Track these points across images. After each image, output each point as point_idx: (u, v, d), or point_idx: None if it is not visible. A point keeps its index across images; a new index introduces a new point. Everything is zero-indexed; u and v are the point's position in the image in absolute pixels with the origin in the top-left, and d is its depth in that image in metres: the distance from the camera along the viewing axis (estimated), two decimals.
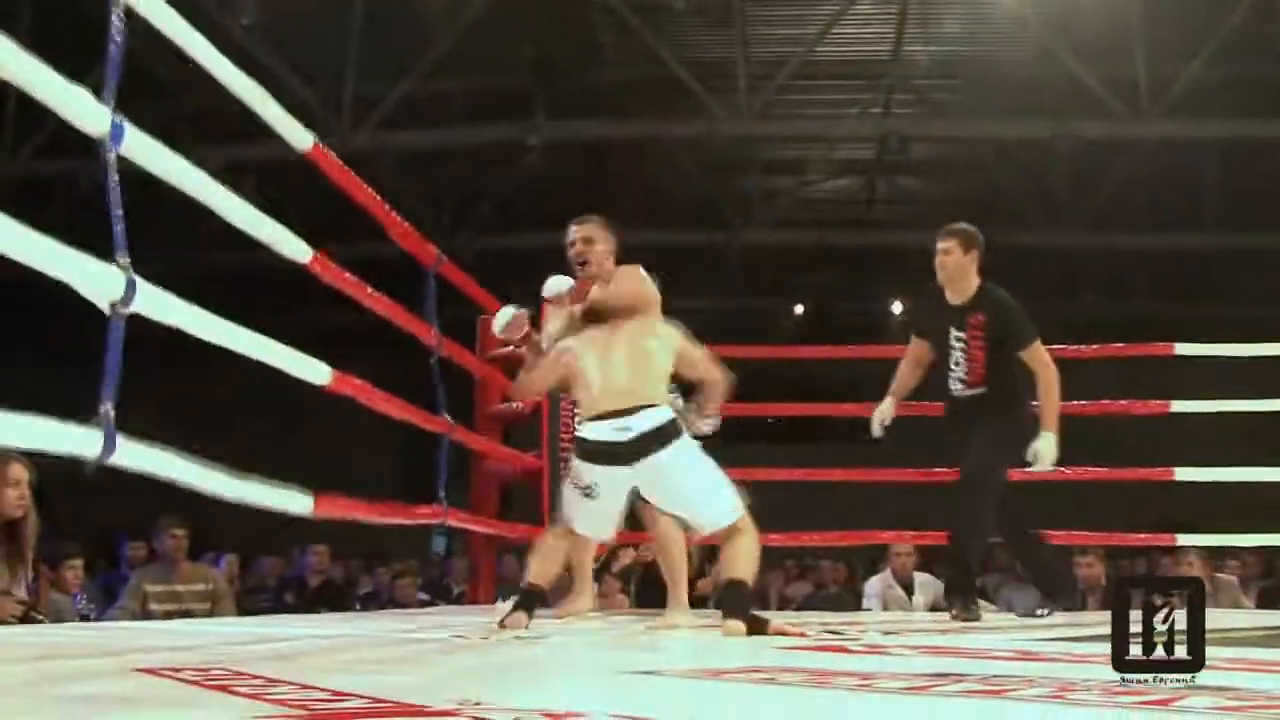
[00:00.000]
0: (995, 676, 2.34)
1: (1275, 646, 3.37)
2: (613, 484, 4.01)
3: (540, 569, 4.13)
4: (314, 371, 3.42)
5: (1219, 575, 7.44)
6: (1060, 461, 5.13)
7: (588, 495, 4.02)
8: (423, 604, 8.86)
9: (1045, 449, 5.01)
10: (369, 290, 4.04)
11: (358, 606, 9.30)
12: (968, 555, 5.02)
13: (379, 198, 4.43)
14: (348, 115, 11.22)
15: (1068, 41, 10.59)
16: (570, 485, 4.09)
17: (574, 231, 4.62)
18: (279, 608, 8.12)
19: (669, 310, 4.45)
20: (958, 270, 5.07)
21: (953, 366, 5.12)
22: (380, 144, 11.34)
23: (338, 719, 1.65)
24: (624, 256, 4.64)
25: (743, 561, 3.95)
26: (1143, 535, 6.64)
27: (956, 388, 5.13)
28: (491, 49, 11.02)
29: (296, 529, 8.82)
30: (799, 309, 16.14)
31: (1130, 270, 14.70)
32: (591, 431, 4.00)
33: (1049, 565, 5.37)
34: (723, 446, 4.41)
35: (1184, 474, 6.38)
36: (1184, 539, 6.54)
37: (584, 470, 4.01)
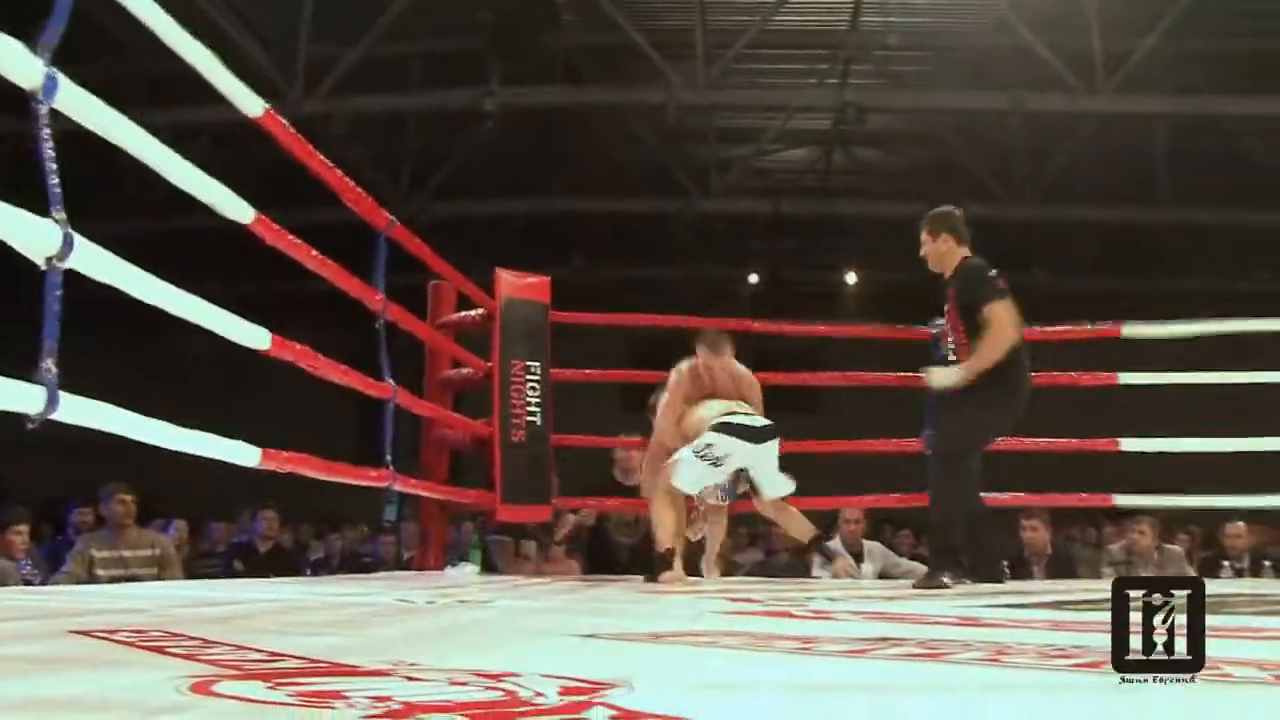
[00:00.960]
0: (934, 640, 2.37)
1: (1217, 613, 3.41)
2: (737, 456, 5.13)
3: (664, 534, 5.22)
4: (253, 336, 3.37)
5: (1167, 546, 7.53)
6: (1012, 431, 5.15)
7: (716, 464, 5.12)
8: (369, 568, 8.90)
9: (938, 374, 5.12)
10: (312, 252, 3.98)
11: (309, 572, 9.27)
12: (946, 530, 4.98)
13: (331, 163, 4.37)
14: (301, 79, 11.10)
15: (1024, 15, 10.61)
16: (697, 455, 5.10)
17: (716, 369, 5.43)
18: (228, 573, 8.07)
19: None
20: (936, 257, 5.23)
21: (945, 343, 5.21)
22: (334, 108, 11.22)
23: (271, 678, 1.64)
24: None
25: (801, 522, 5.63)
26: (1080, 495, 6.68)
27: (951, 360, 5.21)
28: (448, 13, 10.91)
29: (246, 495, 8.84)
30: (754, 278, 16.16)
31: (1082, 243, 14.80)
32: (734, 419, 5.16)
33: (983, 540, 5.36)
34: None
35: (1129, 444, 6.42)
36: (1120, 500, 6.59)
37: (724, 442, 5.11)
